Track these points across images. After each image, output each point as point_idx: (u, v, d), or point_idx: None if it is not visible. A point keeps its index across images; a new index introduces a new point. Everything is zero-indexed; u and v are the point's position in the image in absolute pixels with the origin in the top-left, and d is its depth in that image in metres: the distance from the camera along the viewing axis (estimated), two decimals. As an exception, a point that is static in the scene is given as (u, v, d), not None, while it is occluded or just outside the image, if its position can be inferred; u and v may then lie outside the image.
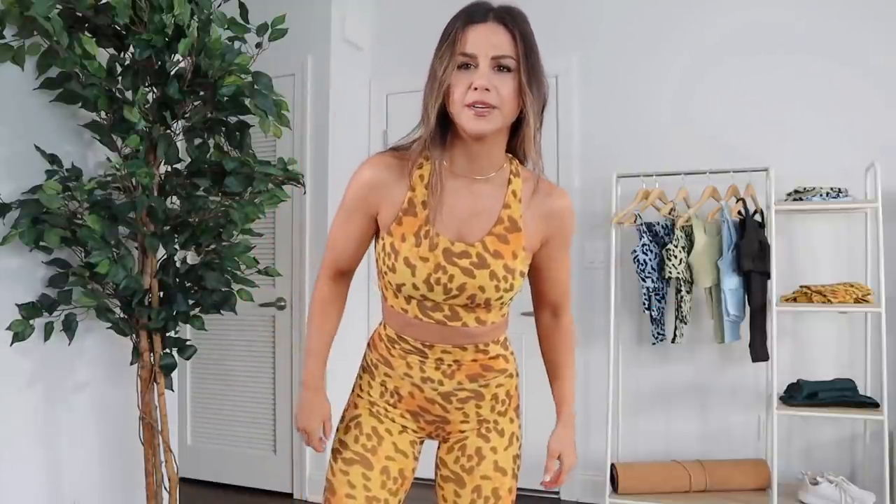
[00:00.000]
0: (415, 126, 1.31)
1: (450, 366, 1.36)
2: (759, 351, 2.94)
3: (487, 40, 1.21)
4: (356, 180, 1.36)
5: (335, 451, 1.43)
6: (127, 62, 2.18)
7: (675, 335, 3.07)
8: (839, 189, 2.89)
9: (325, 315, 1.46)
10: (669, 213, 3.10)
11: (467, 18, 1.23)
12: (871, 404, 2.81)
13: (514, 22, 1.23)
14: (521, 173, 1.35)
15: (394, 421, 1.42)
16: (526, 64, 1.22)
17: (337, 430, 1.46)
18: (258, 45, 2.25)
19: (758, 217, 2.99)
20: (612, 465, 3.08)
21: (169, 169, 2.31)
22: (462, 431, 1.42)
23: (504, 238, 1.30)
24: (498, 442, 1.42)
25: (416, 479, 1.48)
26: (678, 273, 2.99)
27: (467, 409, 1.40)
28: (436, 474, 1.47)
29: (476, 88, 1.20)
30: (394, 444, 1.41)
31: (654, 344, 3.14)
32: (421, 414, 1.41)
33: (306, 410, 1.45)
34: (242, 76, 2.19)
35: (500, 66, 1.22)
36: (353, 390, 1.49)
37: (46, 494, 2.25)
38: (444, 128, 1.29)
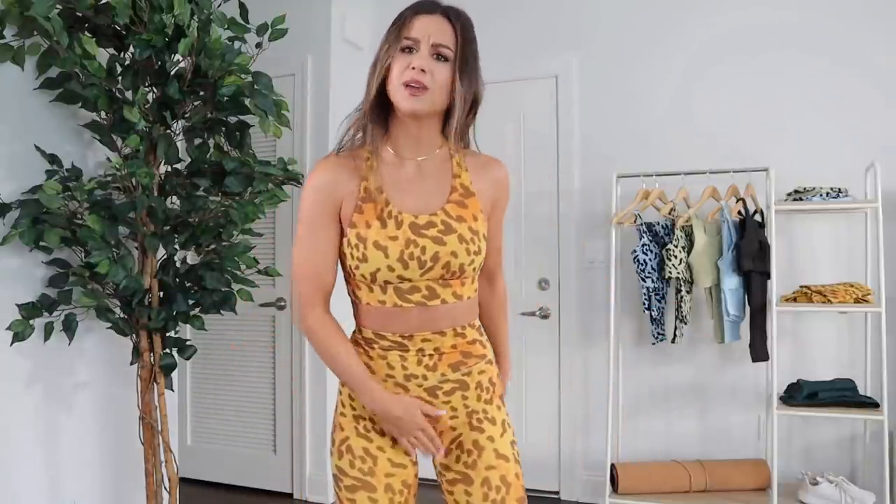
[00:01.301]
0: (353, 110, 1.40)
1: (431, 356, 1.37)
2: (759, 351, 2.94)
3: (431, 28, 1.33)
4: (309, 190, 1.38)
5: (335, 478, 1.42)
6: (127, 62, 2.18)
7: (675, 335, 3.07)
8: (839, 189, 2.89)
9: (347, 345, 1.40)
10: (669, 213, 3.10)
11: (417, 9, 1.36)
12: (871, 404, 2.81)
13: (458, 19, 1.35)
14: (458, 150, 1.44)
15: (382, 434, 1.41)
16: (462, 57, 1.33)
17: (331, 453, 1.45)
18: (258, 45, 2.25)
19: (758, 217, 2.99)
20: (612, 465, 3.08)
21: (169, 169, 2.31)
22: (454, 429, 1.42)
23: (462, 203, 1.38)
24: (492, 430, 1.42)
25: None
26: (678, 273, 2.99)
27: (454, 402, 1.40)
28: (440, 481, 1.46)
29: (413, 68, 1.30)
30: (389, 460, 1.40)
31: (654, 344, 3.13)
32: None
33: (405, 420, 1.37)
34: (242, 76, 2.19)
35: (438, 55, 1.32)
36: (335, 409, 1.47)
37: (46, 494, 2.25)
38: (386, 115, 1.39)
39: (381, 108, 1.37)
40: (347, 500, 1.39)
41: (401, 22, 1.35)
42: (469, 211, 1.37)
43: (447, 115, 1.38)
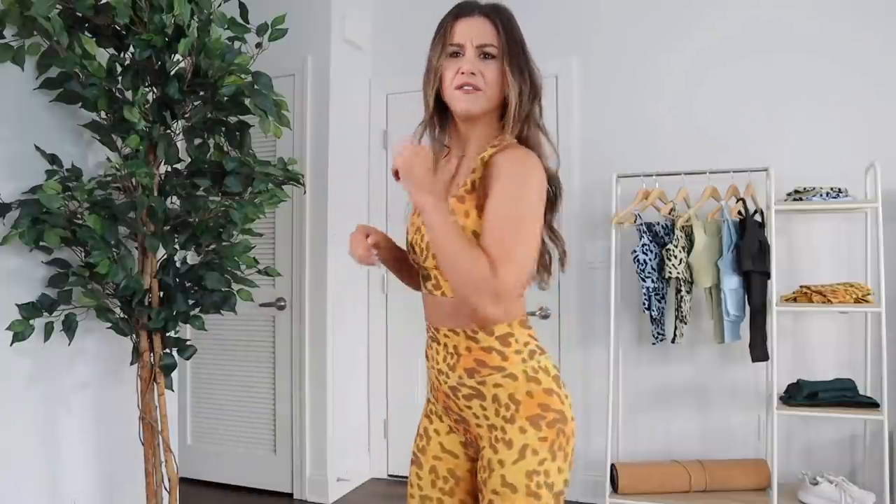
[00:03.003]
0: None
1: (451, 354, 1.40)
2: (758, 351, 2.93)
3: (473, 31, 1.37)
4: None
5: None
6: (127, 62, 2.18)
7: (675, 335, 3.07)
8: (839, 189, 2.89)
9: None
10: (669, 213, 3.10)
11: (457, 13, 1.40)
12: (871, 404, 2.81)
13: (497, 16, 1.39)
14: (501, 144, 1.38)
15: (441, 419, 1.49)
16: (508, 51, 1.37)
17: None
18: (258, 45, 2.25)
19: (758, 217, 2.99)
20: (612, 465, 3.08)
21: (169, 169, 2.32)
22: (479, 438, 1.41)
23: (462, 199, 1.39)
24: (505, 454, 1.33)
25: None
26: (678, 273, 2.99)
27: (475, 409, 1.39)
28: None
29: (463, 73, 1.36)
30: (440, 444, 1.48)
31: (654, 344, 3.13)
32: (449, 410, 1.45)
33: None
34: (242, 76, 2.20)
35: (484, 54, 1.37)
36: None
37: (46, 494, 2.25)
38: (447, 118, 1.46)
39: (441, 114, 1.45)
40: (410, 471, 1.52)
41: (443, 29, 1.40)
42: (464, 207, 1.37)
43: (504, 108, 1.41)
